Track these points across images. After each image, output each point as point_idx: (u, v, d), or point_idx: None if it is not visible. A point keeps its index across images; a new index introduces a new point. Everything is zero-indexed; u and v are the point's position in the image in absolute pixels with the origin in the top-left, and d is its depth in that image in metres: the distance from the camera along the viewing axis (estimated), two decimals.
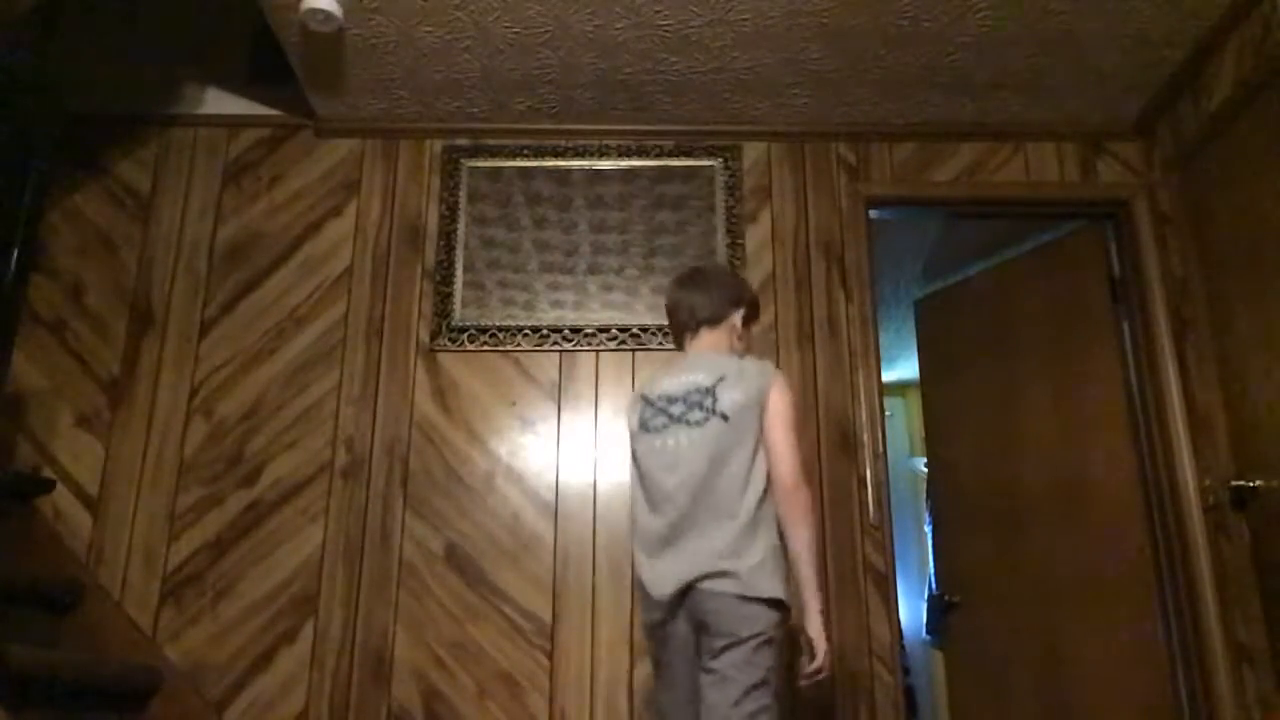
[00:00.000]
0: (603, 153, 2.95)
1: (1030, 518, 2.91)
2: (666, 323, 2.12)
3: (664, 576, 1.81)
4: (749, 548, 1.77)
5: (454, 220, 2.87)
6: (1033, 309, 3.07)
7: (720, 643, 1.73)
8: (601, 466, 2.67)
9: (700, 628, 1.78)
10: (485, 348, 2.76)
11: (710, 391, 1.88)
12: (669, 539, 1.83)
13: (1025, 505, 2.93)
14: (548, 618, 2.54)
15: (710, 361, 1.96)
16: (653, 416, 1.94)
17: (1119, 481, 2.76)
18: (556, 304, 2.80)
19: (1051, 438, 2.93)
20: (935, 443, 3.33)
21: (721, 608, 1.74)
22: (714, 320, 2.02)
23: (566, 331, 2.77)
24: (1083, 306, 2.95)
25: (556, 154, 2.95)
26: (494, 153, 2.95)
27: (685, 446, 1.86)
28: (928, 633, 4.82)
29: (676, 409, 1.91)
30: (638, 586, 1.89)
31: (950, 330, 3.33)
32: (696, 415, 1.88)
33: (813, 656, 1.82)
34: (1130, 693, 2.63)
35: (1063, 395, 2.93)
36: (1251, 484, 2.36)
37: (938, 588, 3.24)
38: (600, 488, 2.65)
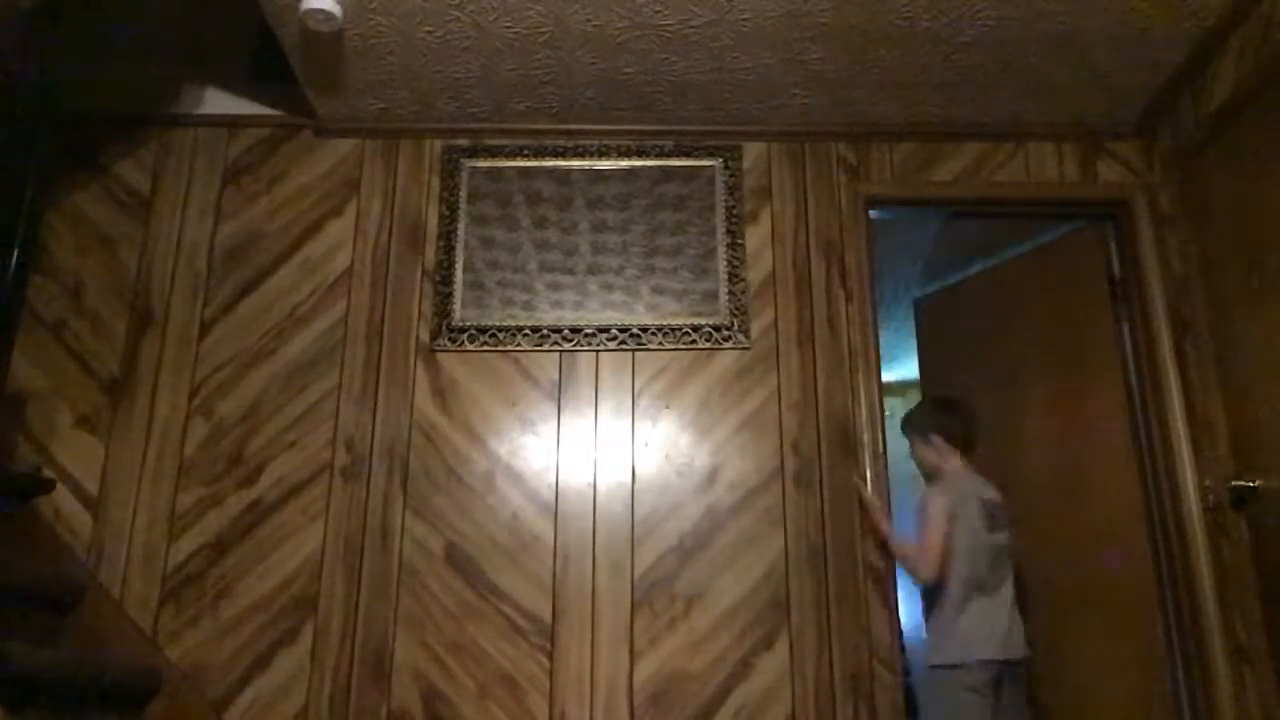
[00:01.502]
0: (603, 153, 2.95)
1: (1030, 517, 2.91)
2: (959, 427, 2.69)
3: (1015, 644, 2.46)
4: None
5: (454, 220, 2.87)
6: (1033, 309, 3.07)
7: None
8: (601, 466, 2.67)
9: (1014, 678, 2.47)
10: (485, 348, 2.76)
11: (1004, 507, 2.58)
12: (1007, 614, 2.48)
13: (1025, 504, 2.92)
14: (548, 618, 2.54)
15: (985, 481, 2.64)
16: (990, 516, 2.54)
17: (1119, 481, 2.76)
18: (556, 304, 2.80)
19: (1051, 438, 2.93)
20: None
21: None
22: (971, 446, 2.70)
23: (566, 331, 2.77)
24: (1083, 306, 2.95)
25: (557, 154, 2.95)
26: (494, 153, 2.95)
27: (1004, 546, 2.53)
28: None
29: (999, 515, 2.56)
30: (984, 641, 2.43)
31: (950, 330, 3.33)
32: (1004, 521, 2.56)
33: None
34: (1130, 693, 2.63)
35: (1062, 395, 2.93)
36: (1251, 484, 2.36)
37: None
38: (600, 488, 2.65)
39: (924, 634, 2.56)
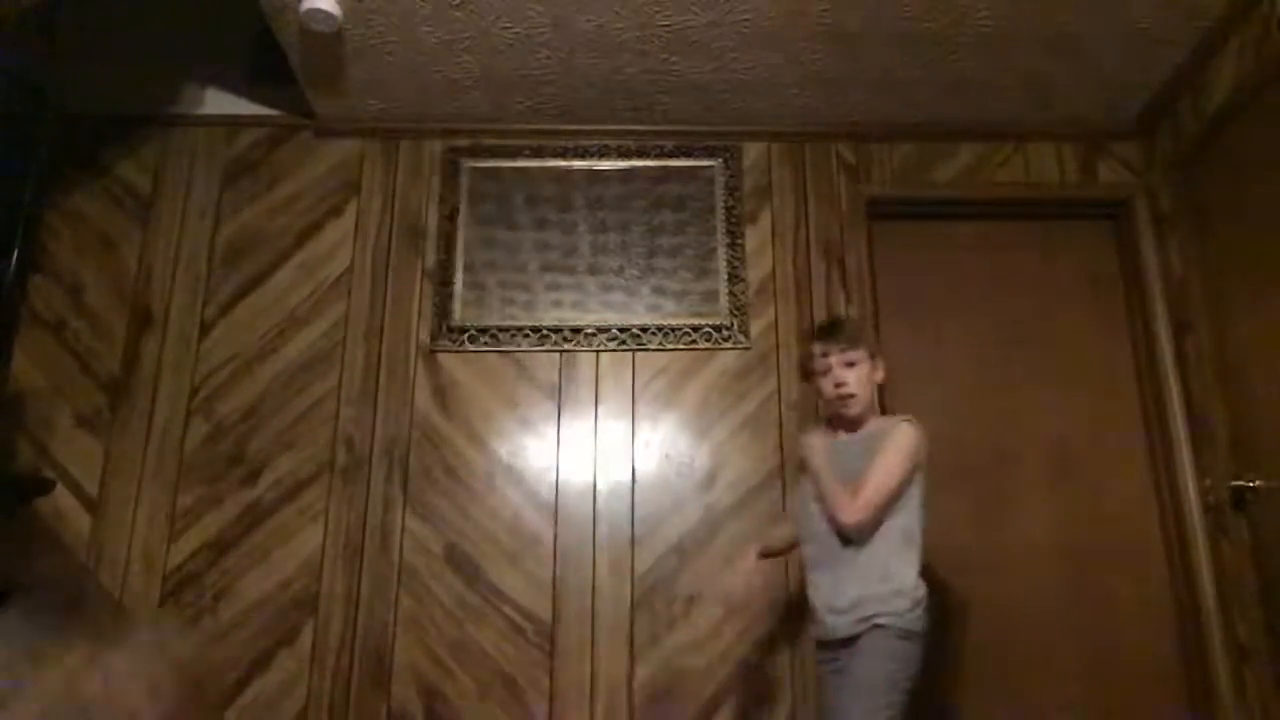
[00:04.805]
0: (603, 153, 2.95)
1: (1032, 515, 2.90)
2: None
3: None
4: None
5: (454, 220, 2.87)
6: (1029, 303, 3.02)
7: None
8: (601, 467, 2.67)
9: None
10: (485, 348, 2.76)
11: None
12: None
13: (1024, 504, 2.92)
14: (548, 618, 2.54)
15: None
16: None
17: (1127, 479, 2.74)
18: (556, 304, 2.80)
19: (1051, 438, 2.92)
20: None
21: None
22: None
23: (566, 331, 2.77)
24: (1080, 306, 2.94)
25: (557, 154, 2.95)
26: (494, 153, 2.95)
27: None
28: None
29: None
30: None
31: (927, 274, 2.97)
32: None
33: None
34: (1128, 692, 2.62)
35: (1065, 394, 2.91)
36: (1251, 484, 2.36)
37: None
38: (600, 488, 2.65)
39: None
